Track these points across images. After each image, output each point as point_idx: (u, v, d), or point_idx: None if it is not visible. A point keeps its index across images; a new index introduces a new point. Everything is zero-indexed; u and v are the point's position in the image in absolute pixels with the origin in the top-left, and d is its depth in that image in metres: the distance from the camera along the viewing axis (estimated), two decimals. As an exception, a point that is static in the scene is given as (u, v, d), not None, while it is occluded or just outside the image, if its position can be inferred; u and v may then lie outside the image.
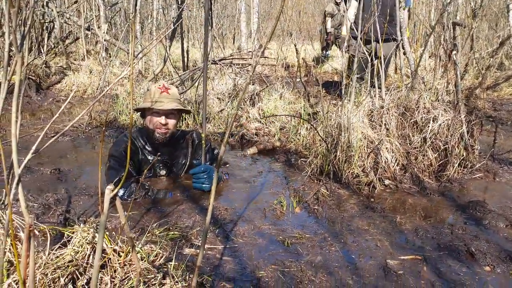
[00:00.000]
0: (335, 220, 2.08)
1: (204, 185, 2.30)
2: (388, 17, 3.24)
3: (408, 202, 2.29)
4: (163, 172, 2.52)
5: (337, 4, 8.30)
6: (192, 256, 1.69)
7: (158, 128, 2.36)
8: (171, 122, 2.38)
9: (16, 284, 1.23)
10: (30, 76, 5.51)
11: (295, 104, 4.29)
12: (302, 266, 1.64)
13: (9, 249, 1.35)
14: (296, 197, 2.32)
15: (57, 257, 1.40)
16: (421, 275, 1.58)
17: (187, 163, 2.57)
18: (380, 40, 3.13)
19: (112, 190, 1.00)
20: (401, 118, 2.81)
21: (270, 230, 1.95)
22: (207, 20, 1.80)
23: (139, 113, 2.56)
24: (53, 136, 3.33)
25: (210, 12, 2.91)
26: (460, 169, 2.73)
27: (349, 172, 2.59)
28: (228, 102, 4.07)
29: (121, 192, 2.19)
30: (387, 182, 2.50)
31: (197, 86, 4.17)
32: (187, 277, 1.49)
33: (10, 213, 0.87)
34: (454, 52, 3.12)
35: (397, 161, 2.61)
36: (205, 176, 2.29)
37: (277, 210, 2.17)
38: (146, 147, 2.46)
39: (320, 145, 2.74)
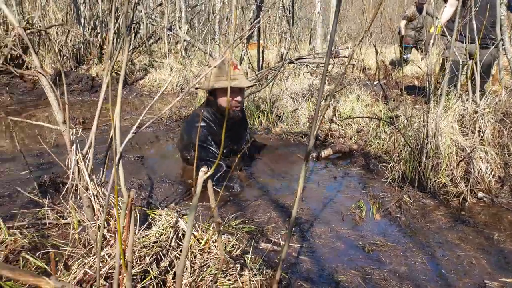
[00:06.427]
0: (420, 230, 1.92)
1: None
2: (487, 16, 2.93)
3: (508, 219, 2.04)
4: (234, 147, 2.53)
5: (419, 5, 7.82)
6: (268, 252, 1.66)
7: (234, 107, 2.34)
8: (242, 98, 2.38)
9: (109, 257, 1.29)
10: (118, 72, 5.95)
11: (373, 107, 4.10)
12: (385, 274, 1.53)
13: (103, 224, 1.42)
14: (375, 203, 2.19)
15: (143, 237, 1.46)
16: (527, 301, 1.38)
17: (248, 136, 2.57)
18: (477, 42, 2.86)
19: (206, 173, 1.00)
20: (498, 125, 2.53)
21: (349, 235, 1.86)
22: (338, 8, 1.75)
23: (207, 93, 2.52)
24: (137, 127, 3.55)
25: (292, 10, 2.88)
26: None
27: (435, 181, 2.39)
28: (302, 102, 4.01)
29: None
30: (480, 194, 2.26)
31: (272, 85, 4.18)
32: (264, 271, 1.46)
33: (116, 185, 0.90)
34: None
35: (492, 173, 2.35)
36: None
37: (356, 215, 2.06)
38: (216, 126, 2.43)
39: (404, 149, 2.56)
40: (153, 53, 7.90)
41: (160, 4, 8.85)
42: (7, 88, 5.27)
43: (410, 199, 2.24)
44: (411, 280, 1.50)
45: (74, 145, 1.36)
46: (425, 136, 2.43)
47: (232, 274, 1.37)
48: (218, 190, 2.15)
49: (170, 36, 8.45)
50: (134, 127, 1.25)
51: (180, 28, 7.98)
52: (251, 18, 5.07)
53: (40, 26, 5.85)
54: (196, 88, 2.58)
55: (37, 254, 1.51)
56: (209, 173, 0.99)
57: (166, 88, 6.12)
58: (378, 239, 1.81)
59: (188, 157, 2.51)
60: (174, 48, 8.49)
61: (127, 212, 0.89)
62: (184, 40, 7.61)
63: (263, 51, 5.56)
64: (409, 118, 2.82)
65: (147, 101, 5.33)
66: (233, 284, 1.31)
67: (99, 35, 7.67)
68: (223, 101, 2.33)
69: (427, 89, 2.57)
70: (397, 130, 2.67)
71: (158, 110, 4.70)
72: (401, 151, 2.63)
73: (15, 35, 5.05)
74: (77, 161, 1.35)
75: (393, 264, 1.61)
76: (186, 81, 5.90)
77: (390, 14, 12.80)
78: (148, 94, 5.74)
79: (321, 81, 0.98)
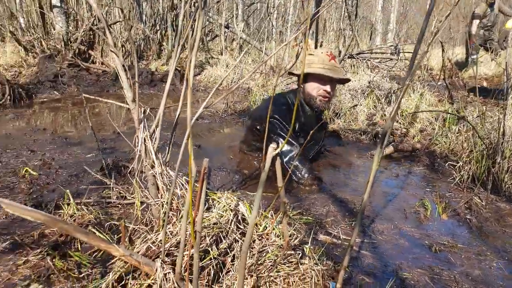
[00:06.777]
0: (495, 234, 1.76)
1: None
2: None
3: None
4: (301, 140, 2.42)
5: (491, 1, 7.28)
6: (328, 244, 1.59)
7: (321, 96, 2.29)
8: (333, 90, 2.32)
9: (171, 234, 1.31)
10: (177, 68, 6.14)
11: (437, 107, 3.86)
12: (456, 276, 1.41)
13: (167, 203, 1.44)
14: (441, 203, 2.04)
15: (204, 218, 1.46)
16: None
17: (323, 136, 2.49)
18: None
19: (275, 149, 0.96)
20: None
21: (413, 233, 1.74)
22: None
23: (294, 78, 2.51)
24: (196, 119, 3.64)
25: (356, 1, 2.78)
26: None
27: (511, 183, 2.18)
28: (361, 98, 3.87)
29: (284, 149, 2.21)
30: None
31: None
32: (325, 262, 1.40)
33: (191, 160, 0.90)
34: None
35: None
36: None
37: (420, 214, 1.94)
38: (298, 111, 2.39)
39: (475, 149, 2.37)
40: (209, 50, 8.08)
41: (218, 2, 9.05)
42: (74, 80, 5.62)
43: (482, 201, 2.06)
44: (486, 284, 1.37)
45: (142, 123, 1.39)
46: (500, 135, 2.23)
47: (292, 261, 1.33)
48: (288, 168, 2.15)
49: (226, 34, 8.59)
50: (201, 109, 1.25)
51: (237, 25, 8.10)
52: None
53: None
54: (289, 73, 2.56)
55: (102, 229, 1.57)
56: (278, 150, 0.96)
57: (221, 83, 6.24)
58: (446, 240, 1.68)
59: (259, 127, 2.46)
60: (229, 46, 8.62)
61: (199, 180, 0.88)
62: (240, 38, 7.70)
63: (321, 46, 5.46)
64: (481, 116, 2.62)
65: (202, 96, 5.44)
66: (293, 271, 1.27)
67: (159, 32, 7.98)
68: (310, 87, 2.30)
69: (504, 84, 2.36)
70: (471, 126, 2.48)
71: (213, 104, 4.79)
72: (471, 150, 2.44)
73: (84, 30, 5.35)
74: (144, 139, 1.38)
75: (465, 267, 1.48)
76: (241, 77, 5.96)
77: (456, 13, 12.06)
78: (204, 89, 5.87)
79: (409, 68, 0.91)
